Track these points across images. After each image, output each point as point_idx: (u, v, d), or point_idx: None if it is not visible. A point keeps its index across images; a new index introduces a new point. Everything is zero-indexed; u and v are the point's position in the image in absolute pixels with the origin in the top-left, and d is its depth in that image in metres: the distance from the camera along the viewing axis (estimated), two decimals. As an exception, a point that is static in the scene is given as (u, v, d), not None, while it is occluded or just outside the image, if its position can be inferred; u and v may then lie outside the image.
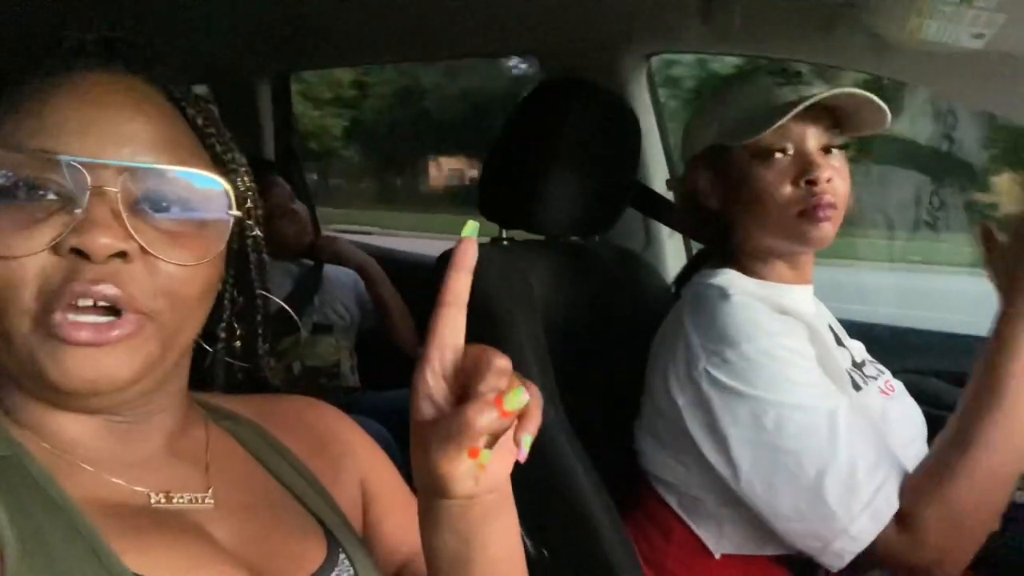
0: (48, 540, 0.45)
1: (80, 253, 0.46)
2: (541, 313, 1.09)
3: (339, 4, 1.69)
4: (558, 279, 1.16)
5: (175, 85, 0.54)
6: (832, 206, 0.95)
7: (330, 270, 1.87)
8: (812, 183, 0.94)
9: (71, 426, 0.51)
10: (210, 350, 0.60)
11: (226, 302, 0.59)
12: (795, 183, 0.95)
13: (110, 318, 0.47)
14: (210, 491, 0.55)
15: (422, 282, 1.09)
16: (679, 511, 0.99)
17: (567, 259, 1.21)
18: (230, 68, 2.11)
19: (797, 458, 0.86)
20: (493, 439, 0.47)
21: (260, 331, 0.61)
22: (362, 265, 1.89)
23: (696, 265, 1.12)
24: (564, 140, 1.12)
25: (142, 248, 0.47)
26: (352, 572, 0.57)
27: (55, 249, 0.46)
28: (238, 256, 0.58)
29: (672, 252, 1.55)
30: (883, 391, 1.02)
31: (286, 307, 0.63)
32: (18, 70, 0.51)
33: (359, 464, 0.65)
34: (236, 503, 0.55)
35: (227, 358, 0.61)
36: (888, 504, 0.84)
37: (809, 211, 0.95)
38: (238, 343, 0.60)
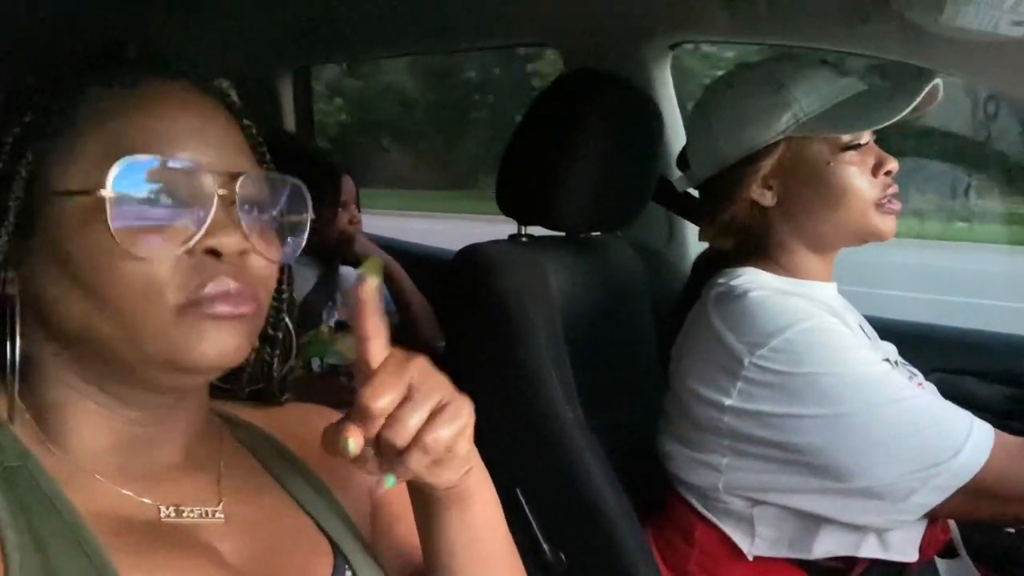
0: (51, 555, 0.45)
1: (212, 252, 0.49)
2: (560, 311, 1.07)
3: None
4: (578, 276, 1.14)
5: (229, 98, 0.57)
6: (899, 197, 0.97)
7: (349, 270, 1.86)
8: (889, 174, 0.96)
9: (101, 437, 0.52)
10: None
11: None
12: (874, 174, 0.96)
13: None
14: (221, 505, 0.55)
15: (441, 276, 1.09)
16: (705, 513, 0.97)
17: (587, 256, 1.19)
18: (250, 61, 2.11)
19: (884, 416, 0.86)
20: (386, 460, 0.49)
21: (289, 339, 0.62)
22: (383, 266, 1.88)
23: (711, 263, 1.08)
24: (584, 134, 1.09)
25: (252, 247, 0.51)
26: None
27: (189, 251, 0.49)
28: None
29: (696, 247, 1.52)
30: None
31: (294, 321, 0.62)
32: (99, 73, 0.52)
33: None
34: (245, 518, 0.55)
35: (257, 364, 0.61)
36: (987, 434, 0.84)
37: (885, 202, 0.96)
38: (267, 350, 0.61)
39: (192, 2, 1.74)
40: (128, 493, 0.51)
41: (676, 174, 1.44)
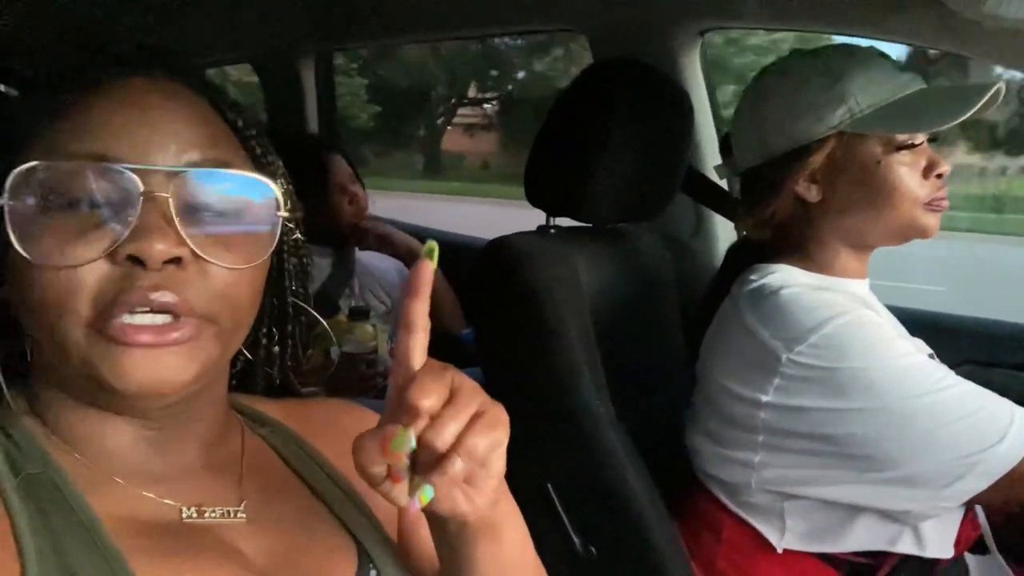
0: (70, 561, 0.45)
1: (135, 260, 0.46)
2: (589, 302, 1.06)
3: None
4: (606, 267, 1.14)
5: (214, 90, 0.54)
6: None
7: (368, 255, 1.85)
8: (940, 176, 0.94)
9: (110, 438, 0.51)
10: (249, 356, 0.59)
11: (266, 306, 0.58)
12: (925, 176, 0.94)
13: (167, 318, 0.47)
14: (243, 505, 0.54)
15: (466, 263, 1.09)
16: (734, 508, 0.97)
17: (615, 247, 1.18)
18: (273, 46, 2.10)
19: (928, 405, 0.85)
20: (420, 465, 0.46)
21: (293, 337, 0.60)
22: (412, 251, 1.86)
23: (742, 255, 1.07)
24: (613, 124, 1.08)
25: (194, 253, 0.47)
26: None
27: (110, 257, 0.46)
28: (277, 260, 0.57)
29: (723, 239, 1.50)
30: None
31: (315, 313, 0.61)
32: (57, 78, 0.51)
33: None
34: (268, 517, 0.55)
35: (266, 364, 0.60)
36: None
37: (935, 203, 0.94)
38: (277, 348, 0.60)
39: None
40: (149, 495, 0.51)
41: (705, 164, 1.43)
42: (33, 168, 0.46)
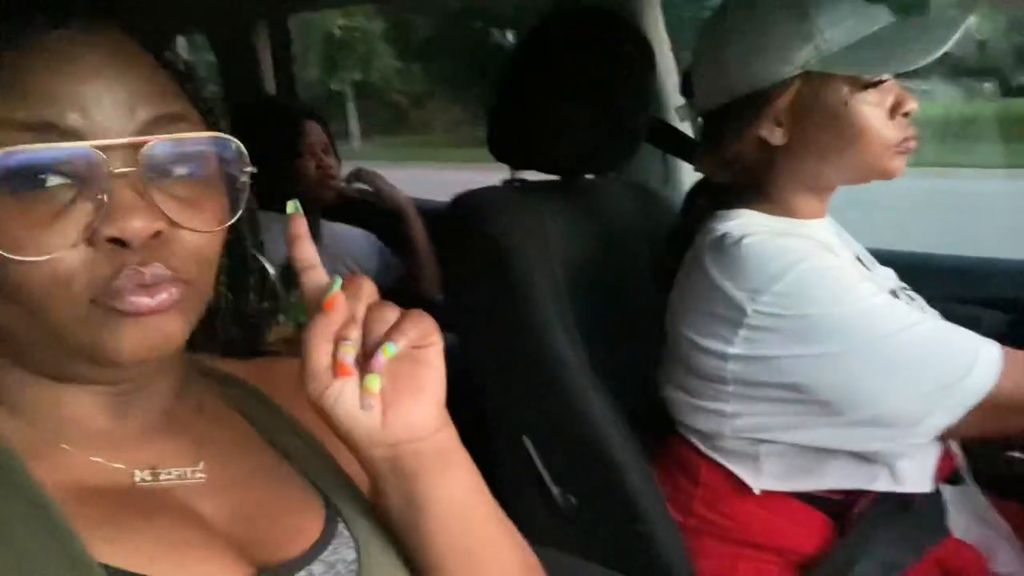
0: (14, 536, 0.43)
1: (116, 241, 0.44)
2: (558, 254, 1.05)
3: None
4: (574, 220, 1.12)
5: (152, 35, 0.51)
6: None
7: (336, 225, 1.82)
8: (907, 115, 0.91)
9: (66, 406, 0.49)
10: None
11: (223, 260, 0.55)
12: (892, 115, 0.91)
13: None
14: (201, 464, 0.52)
15: (437, 228, 1.07)
16: (710, 453, 0.97)
17: (582, 199, 1.17)
18: (222, 15, 2.04)
19: (892, 346, 0.85)
20: (363, 356, 0.48)
21: (251, 292, 0.58)
22: (402, 206, 1.85)
23: (703, 195, 1.05)
24: (573, 73, 1.06)
25: (172, 222, 0.46)
26: (352, 541, 0.54)
27: (89, 241, 0.44)
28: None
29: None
30: None
31: (264, 261, 0.60)
32: None
33: None
34: (229, 476, 0.53)
35: (223, 317, 0.58)
36: (995, 350, 0.84)
37: (904, 143, 0.91)
38: (232, 301, 0.58)
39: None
40: (98, 460, 0.48)
41: (669, 112, 1.41)
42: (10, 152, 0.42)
